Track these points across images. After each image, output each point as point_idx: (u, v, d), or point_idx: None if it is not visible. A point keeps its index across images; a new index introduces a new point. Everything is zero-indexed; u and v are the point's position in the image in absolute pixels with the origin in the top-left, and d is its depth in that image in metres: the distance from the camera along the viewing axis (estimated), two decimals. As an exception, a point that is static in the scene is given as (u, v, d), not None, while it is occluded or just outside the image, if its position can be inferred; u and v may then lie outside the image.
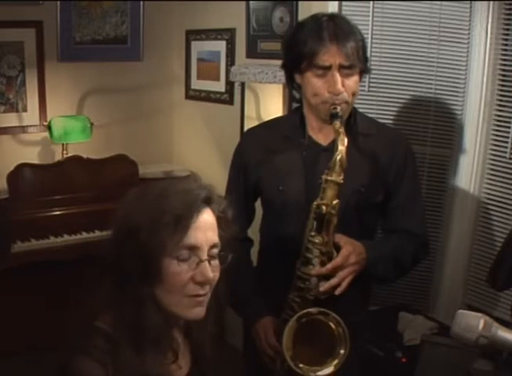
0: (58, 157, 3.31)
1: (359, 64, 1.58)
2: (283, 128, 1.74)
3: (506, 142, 2.30)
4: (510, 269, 1.90)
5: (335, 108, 1.56)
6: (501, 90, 2.31)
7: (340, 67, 1.55)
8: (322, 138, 1.69)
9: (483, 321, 1.11)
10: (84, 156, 3.21)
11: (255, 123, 3.06)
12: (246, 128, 3.10)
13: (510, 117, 2.29)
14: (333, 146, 1.59)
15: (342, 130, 1.53)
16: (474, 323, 1.11)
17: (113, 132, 3.55)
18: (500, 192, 2.34)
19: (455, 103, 2.44)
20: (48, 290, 2.94)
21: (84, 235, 3.01)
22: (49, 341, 1.19)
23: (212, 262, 1.13)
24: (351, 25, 1.60)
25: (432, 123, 2.49)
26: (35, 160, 3.24)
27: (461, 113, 2.43)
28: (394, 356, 2.22)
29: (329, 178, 1.52)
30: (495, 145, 2.35)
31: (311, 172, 1.66)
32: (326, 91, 1.57)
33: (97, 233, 3.00)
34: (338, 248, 1.57)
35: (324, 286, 1.54)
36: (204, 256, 1.12)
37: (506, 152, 2.30)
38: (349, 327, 1.49)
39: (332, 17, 1.60)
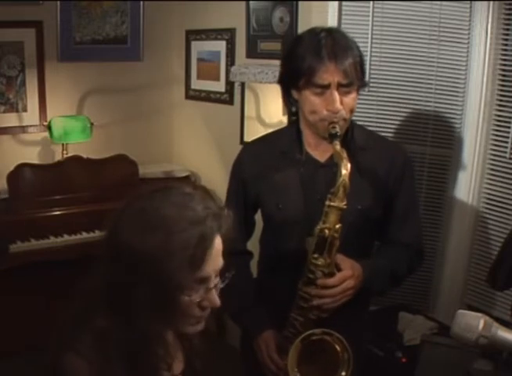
0: (58, 157, 3.31)
1: (357, 81, 1.57)
2: (280, 144, 1.72)
3: (506, 142, 2.30)
4: (510, 269, 1.90)
5: (334, 127, 1.54)
6: (501, 90, 2.31)
7: (339, 85, 1.54)
8: (319, 154, 1.67)
9: (483, 321, 1.11)
10: (84, 156, 3.21)
11: (255, 123, 3.08)
12: (246, 128, 3.10)
13: (510, 117, 2.29)
14: (330, 162, 1.59)
15: (345, 155, 1.51)
16: (474, 323, 1.12)
17: (113, 132, 3.54)
18: (500, 192, 2.34)
19: (455, 103, 2.44)
20: (48, 290, 2.94)
21: (84, 235, 3.01)
22: (49, 341, 1.18)
23: (217, 286, 1.14)
24: (349, 40, 1.58)
25: (432, 123, 2.49)
26: (35, 160, 3.24)
27: (461, 113, 2.43)
28: (394, 356, 2.23)
29: (332, 204, 1.51)
30: (495, 145, 2.36)
31: (309, 189, 1.65)
32: (324, 109, 1.55)
33: (97, 233, 2.99)
34: (340, 268, 1.57)
35: (317, 301, 1.55)
36: (212, 284, 1.12)
37: (506, 152, 2.30)
38: (350, 334, 1.50)
39: (330, 32, 1.58)
